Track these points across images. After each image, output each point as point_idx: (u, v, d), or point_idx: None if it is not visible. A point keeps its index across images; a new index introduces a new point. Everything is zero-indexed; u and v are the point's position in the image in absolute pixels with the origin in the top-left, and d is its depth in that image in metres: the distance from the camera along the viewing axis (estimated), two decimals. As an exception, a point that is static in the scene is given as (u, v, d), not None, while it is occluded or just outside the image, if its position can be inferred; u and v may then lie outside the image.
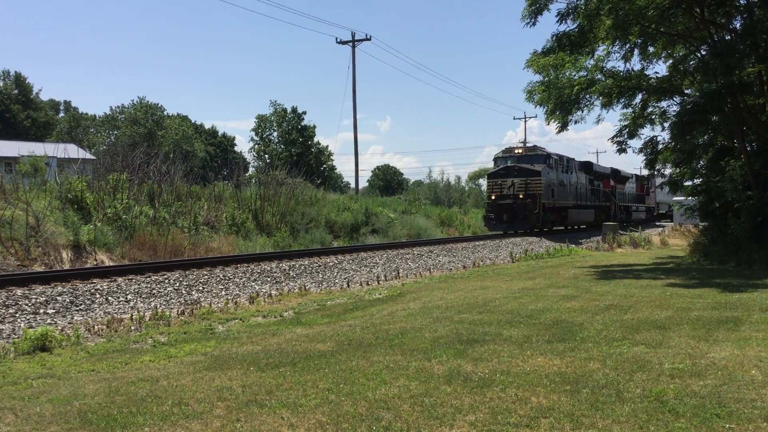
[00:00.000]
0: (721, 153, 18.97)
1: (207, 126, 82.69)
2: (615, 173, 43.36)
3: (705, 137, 19.41)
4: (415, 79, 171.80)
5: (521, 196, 29.05)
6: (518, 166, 29.87)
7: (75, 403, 4.93)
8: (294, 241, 24.04)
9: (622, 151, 19.48)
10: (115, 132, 70.47)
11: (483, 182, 68.00)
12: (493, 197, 30.05)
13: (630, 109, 19.18)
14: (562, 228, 34.98)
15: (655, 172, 21.29)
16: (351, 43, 38.84)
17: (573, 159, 35.53)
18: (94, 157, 41.57)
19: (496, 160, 31.57)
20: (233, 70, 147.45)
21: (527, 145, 30.89)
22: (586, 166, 37.80)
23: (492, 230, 30.57)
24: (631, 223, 47.23)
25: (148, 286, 11.34)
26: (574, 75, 17.51)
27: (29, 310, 9.21)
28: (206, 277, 12.61)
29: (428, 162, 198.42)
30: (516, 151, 31.23)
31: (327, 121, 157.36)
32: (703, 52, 17.50)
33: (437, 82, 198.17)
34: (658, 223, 52.91)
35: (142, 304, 10.33)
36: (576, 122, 18.42)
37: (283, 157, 63.61)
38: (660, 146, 19.54)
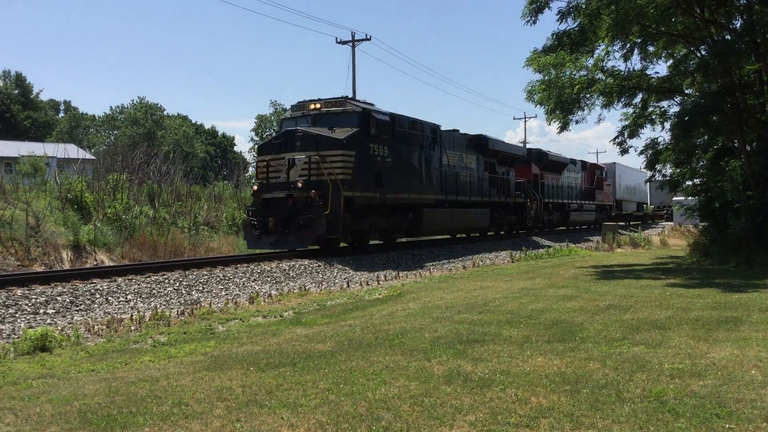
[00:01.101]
0: (721, 153, 18.98)
1: (207, 126, 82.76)
2: (539, 157, 31.31)
3: (705, 137, 19.43)
4: (414, 79, 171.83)
5: (300, 185, 15.83)
6: (306, 131, 16.72)
7: (75, 403, 4.93)
8: (294, 241, 24.01)
9: (624, 152, 19.55)
10: (115, 132, 70.53)
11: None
12: (255, 188, 17.16)
13: (631, 109, 19.22)
14: (417, 240, 23.09)
15: (656, 173, 21.30)
16: (351, 43, 38.82)
17: (454, 131, 23.87)
18: (94, 157, 41.58)
19: (282, 122, 18.93)
20: (233, 70, 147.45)
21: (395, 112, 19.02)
22: (477, 143, 24.79)
23: (253, 247, 17.06)
24: (571, 227, 36.50)
25: (148, 286, 11.34)
26: (575, 74, 17.51)
27: (29, 310, 9.21)
28: (206, 277, 12.61)
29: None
30: (312, 106, 17.72)
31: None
32: (703, 52, 17.51)
33: (437, 82, 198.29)
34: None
35: (142, 304, 10.33)
36: (577, 122, 18.48)
37: (283, 157, 63.42)
38: (660, 147, 19.58)
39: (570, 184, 35.30)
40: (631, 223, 48.29)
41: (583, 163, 39.58)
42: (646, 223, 51.04)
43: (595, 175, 40.59)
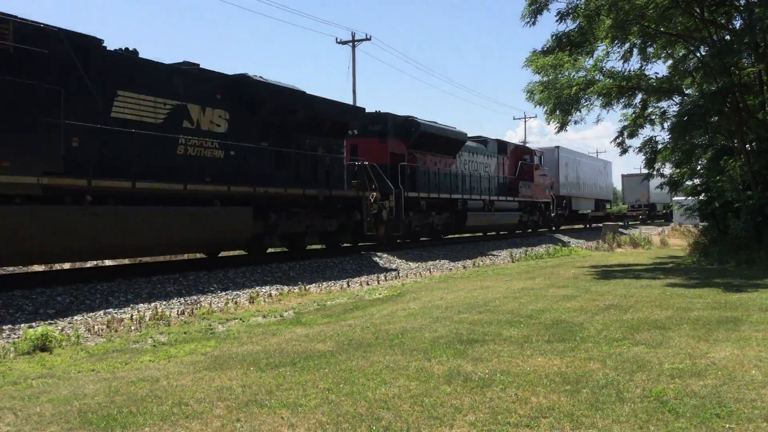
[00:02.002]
0: (721, 153, 19.01)
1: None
2: (405, 128, 20.61)
3: (705, 137, 19.47)
4: (415, 79, 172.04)
5: None
6: None
7: (75, 403, 4.93)
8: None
9: (624, 152, 19.63)
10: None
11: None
12: None
13: (630, 109, 19.25)
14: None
15: (654, 172, 21.33)
16: (351, 43, 38.83)
17: (181, 66, 13.24)
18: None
19: None
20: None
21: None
22: (235, 88, 14.02)
23: None
24: (471, 233, 26.24)
25: (148, 286, 11.34)
26: (574, 75, 17.54)
27: (29, 310, 9.21)
28: (206, 276, 12.60)
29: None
30: None
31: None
32: (703, 53, 17.54)
33: (437, 82, 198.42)
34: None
35: (142, 304, 10.33)
36: (576, 122, 18.47)
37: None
38: (659, 146, 19.62)
39: (474, 173, 25.18)
40: (591, 225, 39.22)
41: (501, 144, 28.83)
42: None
43: (520, 161, 29.46)
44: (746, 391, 4.77)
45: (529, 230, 31.28)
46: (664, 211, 52.46)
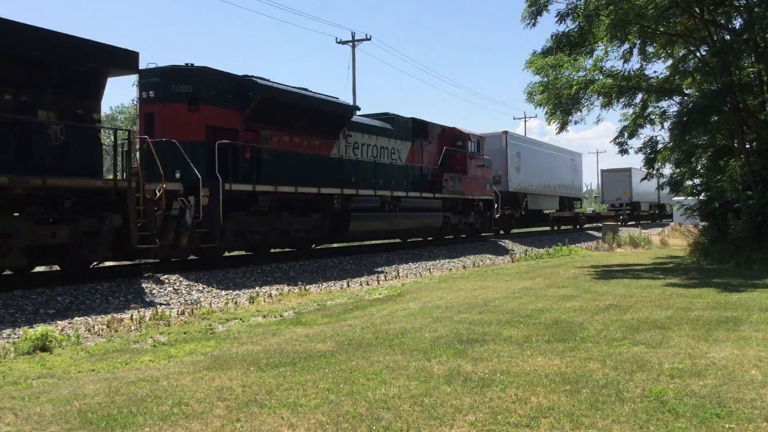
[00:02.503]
0: (721, 153, 19.02)
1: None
2: (242, 92, 14.44)
3: (705, 137, 19.48)
4: (415, 79, 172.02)
5: None
6: None
7: (75, 403, 4.93)
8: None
9: (624, 152, 19.62)
10: (115, 132, 70.14)
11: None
12: None
13: (630, 109, 19.26)
14: None
15: (654, 171, 21.31)
16: (351, 43, 38.82)
17: None
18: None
19: None
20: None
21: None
22: None
23: None
24: (352, 240, 18.92)
25: (148, 286, 11.33)
26: (573, 75, 17.55)
27: (29, 310, 9.21)
28: (206, 277, 12.60)
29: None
30: None
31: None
32: (703, 52, 17.55)
33: (438, 82, 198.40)
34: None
35: (142, 304, 10.33)
36: (576, 123, 18.47)
37: (282, 157, 63.06)
38: (659, 146, 19.63)
39: (369, 160, 18.84)
40: (561, 228, 34.37)
41: (418, 124, 21.65)
42: (579, 228, 35.16)
43: (446, 147, 22.70)
44: (746, 391, 4.77)
45: (463, 235, 24.43)
46: (651, 212, 48.26)
